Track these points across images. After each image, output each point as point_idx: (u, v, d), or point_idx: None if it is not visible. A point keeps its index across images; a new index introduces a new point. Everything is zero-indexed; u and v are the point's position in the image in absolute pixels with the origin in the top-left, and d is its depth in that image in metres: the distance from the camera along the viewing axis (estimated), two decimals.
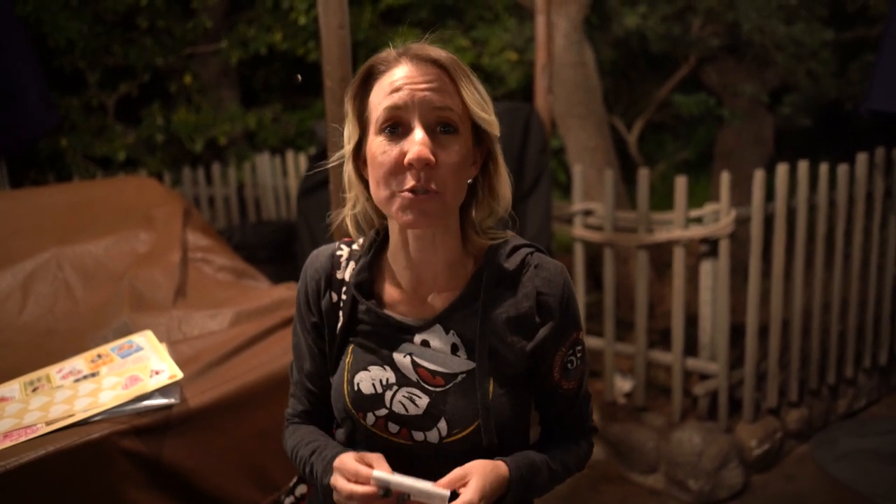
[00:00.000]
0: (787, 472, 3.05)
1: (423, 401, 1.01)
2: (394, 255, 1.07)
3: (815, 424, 3.28)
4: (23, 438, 1.36)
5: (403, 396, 1.02)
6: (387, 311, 1.06)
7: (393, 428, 1.03)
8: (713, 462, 2.88)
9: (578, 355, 1.08)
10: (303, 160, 4.65)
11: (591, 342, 3.39)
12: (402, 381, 1.03)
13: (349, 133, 1.04)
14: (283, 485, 1.76)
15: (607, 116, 4.35)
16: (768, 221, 2.98)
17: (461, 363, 1.02)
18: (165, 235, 2.33)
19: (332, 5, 1.78)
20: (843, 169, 3.18)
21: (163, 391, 1.52)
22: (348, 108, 1.03)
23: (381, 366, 1.04)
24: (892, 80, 2.89)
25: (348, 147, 1.04)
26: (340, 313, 1.08)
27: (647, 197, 3.09)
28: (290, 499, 1.28)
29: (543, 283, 1.04)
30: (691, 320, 3.14)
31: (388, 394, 1.03)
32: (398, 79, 0.96)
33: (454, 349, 1.03)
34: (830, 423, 3.36)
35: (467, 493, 0.92)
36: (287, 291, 2.08)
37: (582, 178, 3.37)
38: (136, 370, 1.56)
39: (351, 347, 1.08)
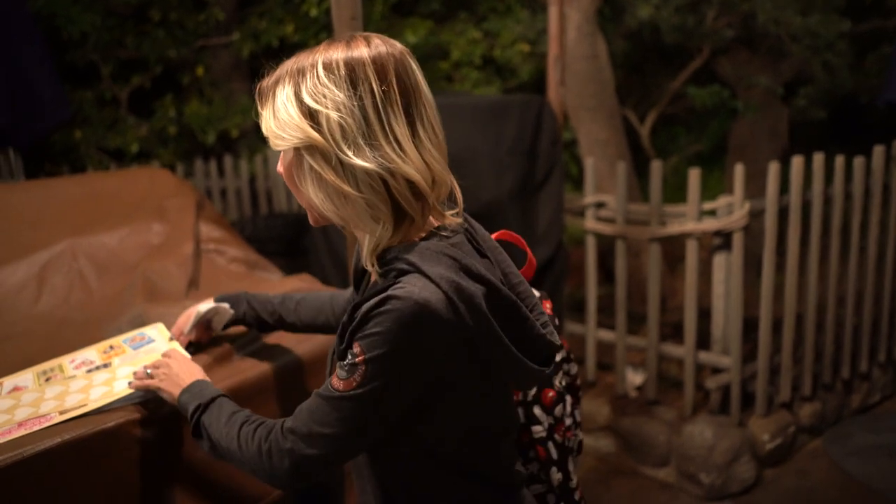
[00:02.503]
0: (800, 466, 3.04)
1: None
2: None
3: (828, 419, 3.26)
4: (37, 427, 1.36)
5: None
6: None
7: None
8: (725, 456, 2.87)
9: (347, 361, 0.97)
10: None
11: (603, 335, 3.38)
12: None
13: None
14: None
15: (619, 109, 4.32)
16: (783, 214, 2.95)
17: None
18: (178, 227, 2.34)
19: None
20: (859, 161, 3.15)
21: None
22: None
23: None
24: None
25: None
26: None
27: (660, 189, 3.07)
28: None
29: (376, 300, 0.94)
30: (704, 314, 3.12)
31: None
32: None
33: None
34: (844, 418, 3.34)
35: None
36: (300, 283, 2.09)
37: (594, 171, 3.36)
38: (148, 361, 1.56)
39: None
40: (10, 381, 1.52)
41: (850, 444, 3.14)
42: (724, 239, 2.95)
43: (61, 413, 1.39)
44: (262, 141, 5.34)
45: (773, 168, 2.86)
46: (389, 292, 0.93)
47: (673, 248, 3.72)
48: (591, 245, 3.36)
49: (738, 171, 2.89)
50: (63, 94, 3.87)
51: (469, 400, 1.05)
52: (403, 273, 0.96)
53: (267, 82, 1.04)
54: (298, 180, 1.03)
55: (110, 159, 5.28)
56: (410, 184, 0.96)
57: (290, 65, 1.02)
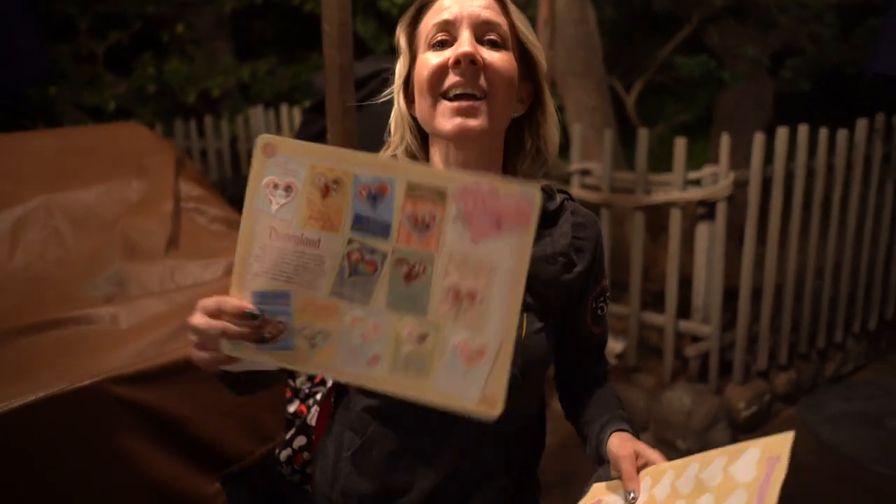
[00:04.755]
0: (775, 433, 3.09)
1: None
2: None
3: (803, 387, 3.31)
4: None
5: None
6: None
7: None
8: (702, 422, 2.92)
9: (606, 302, 1.13)
10: (297, 113, 4.58)
11: None
12: None
13: (400, 67, 1.04)
14: (276, 435, 1.76)
15: (607, 77, 4.29)
16: (766, 185, 2.96)
17: None
18: (158, 184, 2.30)
19: None
20: (842, 134, 3.16)
21: None
22: (400, 39, 1.04)
23: None
24: None
25: (398, 81, 1.04)
26: None
27: (646, 158, 3.06)
28: (287, 451, 1.26)
29: (578, 227, 1.06)
30: (685, 283, 3.14)
31: None
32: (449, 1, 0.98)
33: None
34: (818, 387, 3.40)
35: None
36: None
37: (580, 138, 3.34)
38: None
39: None
40: None
41: (823, 411, 3.19)
42: (707, 209, 2.95)
43: None
44: (245, 101, 5.25)
45: (759, 138, 2.85)
46: (592, 218, 1.09)
47: (657, 217, 3.72)
48: None
49: (724, 141, 2.89)
50: (42, 47, 3.76)
51: None
52: (567, 197, 1.10)
53: None
54: (533, 107, 1.06)
55: (87, 117, 5.17)
56: None
57: None
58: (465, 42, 0.94)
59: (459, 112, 0.94)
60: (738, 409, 3.00)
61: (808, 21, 4.21)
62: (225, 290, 1.83)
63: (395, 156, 1.08)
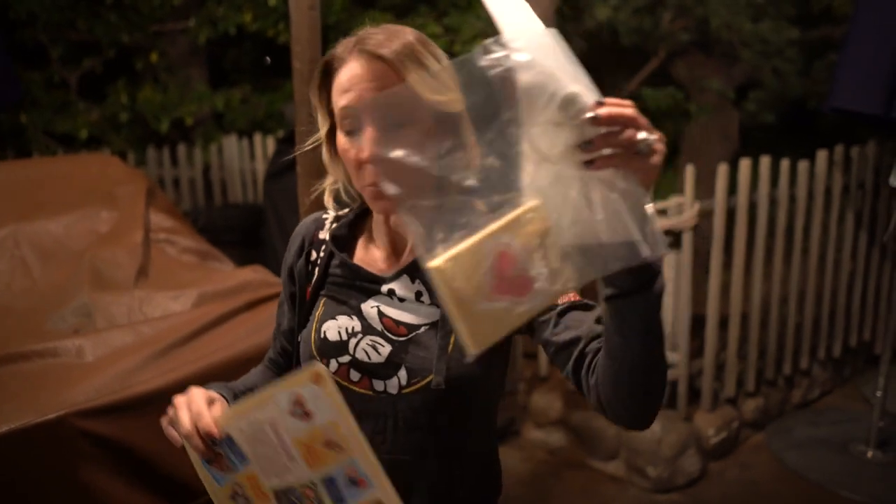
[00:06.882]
0: (743, 459, 3.13)
1: (386, 349, 1.04)
2: (377, 218, 1.11)
3: (770, 414, 3.36)
4: None
5: (367, 344, 1.05)
6: (357, 263, 1.10)
7: (354, 376, 1.06)
8: (672, 449, 2.94)
9: (563, 314, 1.02)
10: (271, 143, 4.60)
11: None
12: (368, 329, 1.06)
13: (320, 122, 1.08)
14: None
15: None
16: (731, 215, 3.03)
17: (426, 311, 1.04)
18: (128, 215, 2.29)
19: None
20: (803, 165, 3.25)
21: None
22: (314, 100, 1.07)
23: (349, 315, 1.08)
24: (854, 80, 2.96)
25: (321, 134, 1.08)
26: (316, 270, 1.13)
27: None
28: None
29: None
30: None
31: (353, 341, 1.06)
32: (347, 79, 0.99)
33: (418, 295, 1.05)
34: (785, 413, 3.45)
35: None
36: (252, 274, 2.07)
37: None
38: None
39: (323, 300, 1.12)
40: None
41: (790, 437, 3.25)
42: (674, 238, 3.01)
43: None
44: (219, 129, 5.26)
45: (722, 170, 2.93)
46: None
47: None
48: None
49: (689, 172, 2.96)
50: (12, 73, 3.74)
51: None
52: None
53: (399, 46, 0.98)
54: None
55: (58, 145, 5.13)
56: None
57: (400, 31, 1.00)
58: (364, 145, 0.97)
59: (381, 196, 0.99)
60: (707, 435, 3.04)
61: (770, 56, 4.34)
62: (193, 322, 1.82)
63: (338, 203, 1.15)
